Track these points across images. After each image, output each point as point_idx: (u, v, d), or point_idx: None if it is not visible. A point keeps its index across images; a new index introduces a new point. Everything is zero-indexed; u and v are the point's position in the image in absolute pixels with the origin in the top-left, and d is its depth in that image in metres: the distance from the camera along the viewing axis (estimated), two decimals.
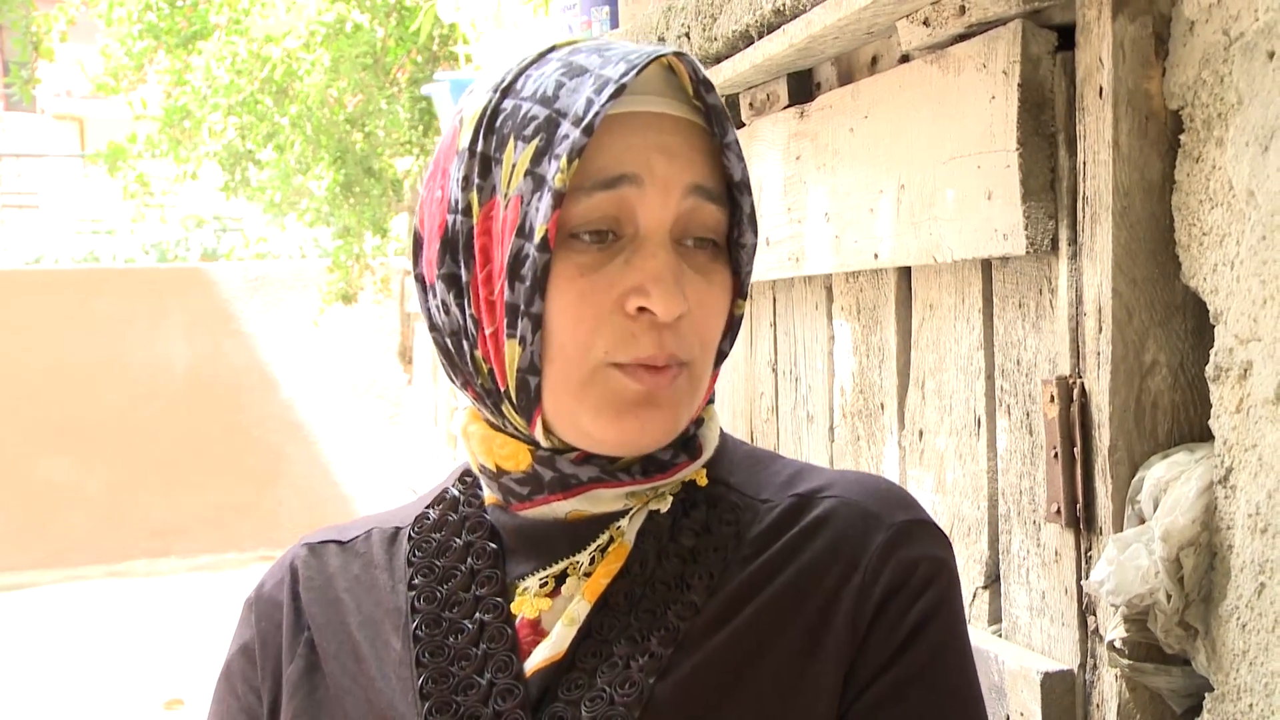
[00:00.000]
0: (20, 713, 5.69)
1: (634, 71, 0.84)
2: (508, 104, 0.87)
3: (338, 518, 8.26)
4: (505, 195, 0.85)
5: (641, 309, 0.84)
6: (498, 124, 0.87)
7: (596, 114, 0.83)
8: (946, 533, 1.73)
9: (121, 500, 8.40)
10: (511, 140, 0.86)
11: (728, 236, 0.90)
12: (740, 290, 0.92)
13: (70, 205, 13.62)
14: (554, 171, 0.83)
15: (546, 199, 0.83)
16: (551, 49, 0.91)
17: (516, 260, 0.84)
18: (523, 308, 0.84)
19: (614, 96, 0.83)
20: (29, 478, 8.24)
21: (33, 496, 8.25)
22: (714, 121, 0.88)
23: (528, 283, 0.84)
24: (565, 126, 0.84)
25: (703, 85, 0.88)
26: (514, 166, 0.85)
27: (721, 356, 0.92)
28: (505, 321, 0.85)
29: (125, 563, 8.37)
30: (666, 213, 0.86)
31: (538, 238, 0.83)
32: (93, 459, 8.36)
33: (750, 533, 0.90)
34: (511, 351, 0.86)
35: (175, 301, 8.69)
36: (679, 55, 0.87)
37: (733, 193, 0.89)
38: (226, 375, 8.70)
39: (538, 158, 0.84)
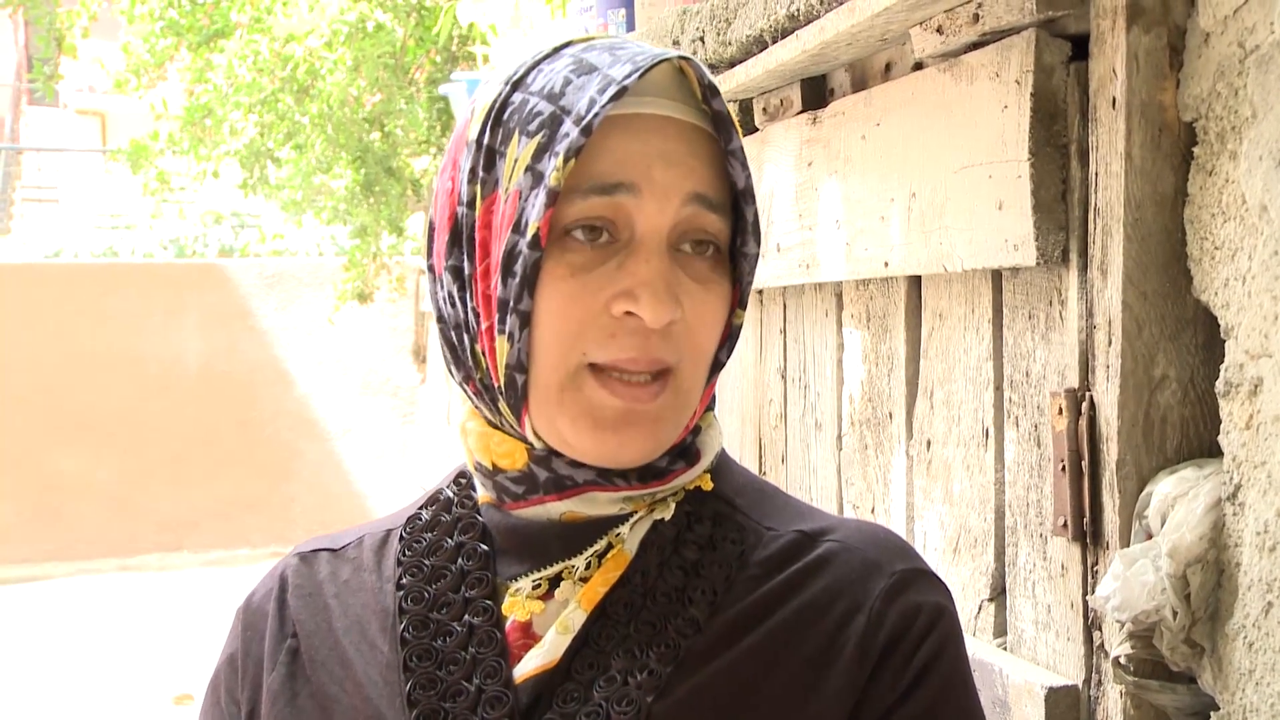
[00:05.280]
0: (30, 705, 5.71)
1: (637, 74, 0.84)
2: (516, 97, 0.87)
3: (350, 515, 8.32)
4: (506, 190, 0.85)
5: (629, 313, 0.84)
6: (505, 117, 0.87)
7: (596, 115, 0.82)
8: (953, 546, 1.73)
9: (134, 494, 8.44)
10: (516, 134, 0.85)
11: (730, 245, 0.90)
12: (740, 300, 0.91)
13: (90, 200, 13.67)
14: (550, 169, 0.82)
15: (541, 197, 0.83)
16: (567, 44, 0.90)
17: (510, 256, 0.84)
18: (512, 304, 0.84)
19: (615, 98, 0.83)
20: (43, 470, 8.29)
21: (46, 489, 8.30)
22: (719, 128, 0.87)
23: (518, 279, 0.84)
24: (567, 124, 0.83)
25: (709, 90, 0.87)
26: (516, 161, 0.85)
27: (718, 366, 0.91)
28: (497, 317, 0.85)
29: (137, 556, 8.41)
30: (664, 219, 0.85)
31: (529, 235, 0.83)
32: (106, 453, 8.40)
33: (754, 556, 0.89)
34: (502, 347, 0.86)
35: (192, 297, 8.73)
36: (686, 60, 0.86)
37: (737, 201, 0.89)
38: (241, 371, 8.73)
39: (539, 154, 0.84)
